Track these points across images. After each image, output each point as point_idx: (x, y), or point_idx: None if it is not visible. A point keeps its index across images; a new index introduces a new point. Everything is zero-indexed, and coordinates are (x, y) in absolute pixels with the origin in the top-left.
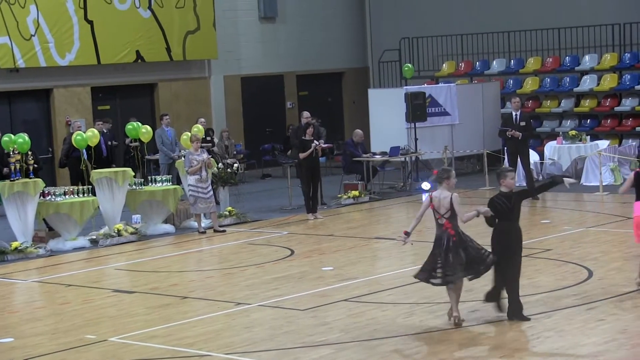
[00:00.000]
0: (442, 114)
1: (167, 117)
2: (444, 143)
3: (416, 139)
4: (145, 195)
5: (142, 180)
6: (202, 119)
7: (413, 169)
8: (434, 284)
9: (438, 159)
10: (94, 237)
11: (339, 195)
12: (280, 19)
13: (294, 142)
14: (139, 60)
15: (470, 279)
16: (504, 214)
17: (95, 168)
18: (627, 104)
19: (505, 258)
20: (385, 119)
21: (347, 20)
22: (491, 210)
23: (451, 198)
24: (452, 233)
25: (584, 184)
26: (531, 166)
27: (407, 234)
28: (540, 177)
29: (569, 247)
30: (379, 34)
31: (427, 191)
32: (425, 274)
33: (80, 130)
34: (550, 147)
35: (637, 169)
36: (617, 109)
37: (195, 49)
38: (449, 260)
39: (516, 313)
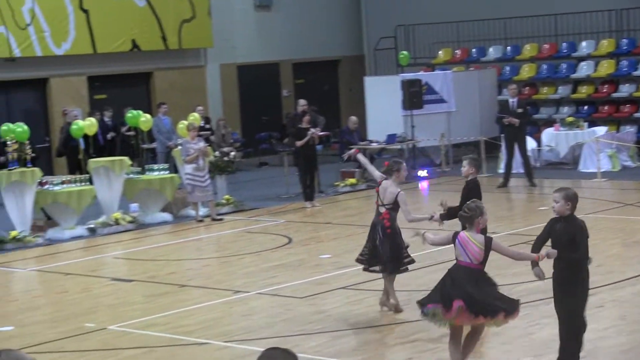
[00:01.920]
0: (439, 102)
1: (165, 106)
2: (440, 130)
3: (413, 127)
4: (142, 184)
5: (140, 169)
6: (200, 107)
7: (410, 156)
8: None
9: (435, 147)
10: (92, 225)
11: (336, 183)
12: (276, 7)
13: (291, 130)
14: (135, 49)
15: (380, 272)
16: None
17: (94, 157)
18: (625, 90)
19: None
20: (382, 107)
21: (343, 8)
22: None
23: (397, 196)
24: (387, 225)
25: (582, 170)
26: (528, 153)
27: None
28: (538, 164)
29: None
30: (375, 22)
31: (424, 178)
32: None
33: (76, 119)
34: (547, 134)
35: None
36: (614, 95)
37: (190, 37)
38: (377, 250)
39: None
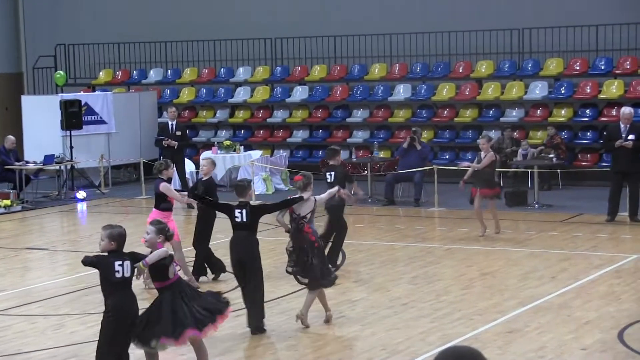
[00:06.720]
0: (99, 122)
1: None
2: (100, 152)
3: (72, 147)
4: None
5: None
6: None
7: (68, 177)
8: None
9: (94, 168)
10: None
11: None
12: None
13: None
14: None
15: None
16: (240, 225)
17: None
18: (279, 115)
19: (249, 268)
20: (40, 127)
21: (0, 24)
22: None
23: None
24: (313, 239)
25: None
26: (187, 175)
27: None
28: None
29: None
30: (34, 39)
31: (82, 200)
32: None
33: None
34: (205, 157)
35: None
36: (269, 120)
37: None
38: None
39: (259, 325)
